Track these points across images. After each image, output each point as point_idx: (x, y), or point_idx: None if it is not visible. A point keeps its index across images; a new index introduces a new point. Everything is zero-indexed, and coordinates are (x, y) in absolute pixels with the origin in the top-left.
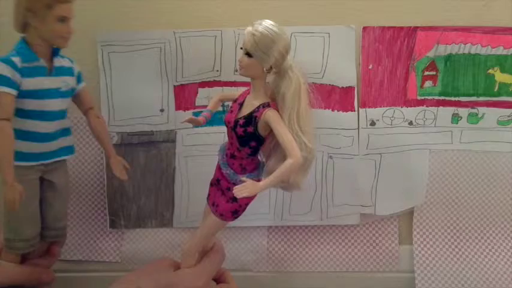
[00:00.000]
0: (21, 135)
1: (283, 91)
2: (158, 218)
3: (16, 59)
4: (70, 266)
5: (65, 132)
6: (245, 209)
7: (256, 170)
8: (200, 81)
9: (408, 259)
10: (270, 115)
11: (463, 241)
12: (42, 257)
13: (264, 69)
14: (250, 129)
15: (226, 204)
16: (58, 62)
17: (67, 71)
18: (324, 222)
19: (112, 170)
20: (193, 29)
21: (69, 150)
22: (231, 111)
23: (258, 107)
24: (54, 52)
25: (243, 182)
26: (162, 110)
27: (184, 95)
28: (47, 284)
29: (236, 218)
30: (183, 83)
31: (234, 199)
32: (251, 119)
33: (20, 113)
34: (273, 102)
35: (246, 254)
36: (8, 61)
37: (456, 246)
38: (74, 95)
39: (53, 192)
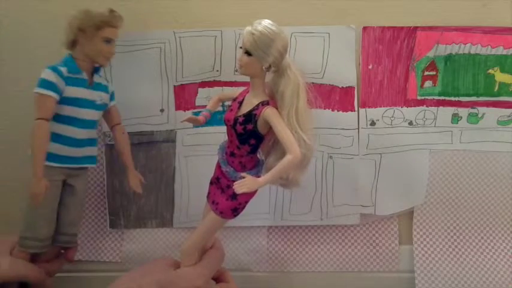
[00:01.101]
0: (54, 137)
1: (282, 89)
2: (158, 218)
3: (63, 69)
4: (70, 266)
5: (92, 142)
6: (245, 206)
7: (255, 168)
8: (200, 81)
9: (408, 259)
10: (269, 113)
11: (463, 241)
12: (50, 262)
13: (263, 67)
14: (249, 126)
15: (226, 202)
16: (97, 79)
17: (103, 88)
18: (324, 222)
19: (128, 183)
20: (193, 29)
21: (93, 160)
22: (231, 110)
23: (257, 105)
24: (96, 70)
25: (243, 178)
26: (162, 110)
27: (184, 95)
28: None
29: (236, 215)
30: (183, 83)
31: (234, 197)
32: (251, 116)
33: (57, 118)
34: (272, 100)
35: (246, 254)
36: (56, 69)
37: (456, 246)
38: (105, 110)
39: (72, 197)
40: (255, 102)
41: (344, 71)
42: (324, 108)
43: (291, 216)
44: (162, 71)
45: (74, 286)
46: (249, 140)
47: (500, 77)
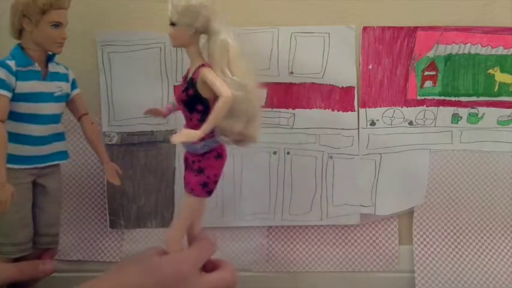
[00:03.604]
0: (14, 138)
1: (211, 51)
2: (158, 218)
3: (11, 63)
4: (70, 266)
5: (59, 137)
6: (215, 181)
7: (212, 137)
8: None
9: (408, 259)
10: (204, 71)
11: (463, 241)
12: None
13: (190, 33)
14: (191, 91)
15: (194, 178)
16: (53, 67)
17: (62, 77)
18: (324, 222)
19: (106, 176)
20: None
21: (63, 155)
22: (180, 86)
23: (195, 70)
24: (49, 58)
25: (202, 148)
26: None
27: None
28: (46, 275)
29: (208, 192)
30: None
31: (200, 171)
32: (191, 82)
33: (14, 116)
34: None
35: (246, 254)
36: (3, 64)
37: (456, 246)
38: (69, 101)
39: (45, 197)
40: (193, 68)
41: (344, 71)
42: (324, 108)
43: (291, 216)
44: (162, 71)
45: (74, 286)
46: (195, 106)
47: (500, 77)
